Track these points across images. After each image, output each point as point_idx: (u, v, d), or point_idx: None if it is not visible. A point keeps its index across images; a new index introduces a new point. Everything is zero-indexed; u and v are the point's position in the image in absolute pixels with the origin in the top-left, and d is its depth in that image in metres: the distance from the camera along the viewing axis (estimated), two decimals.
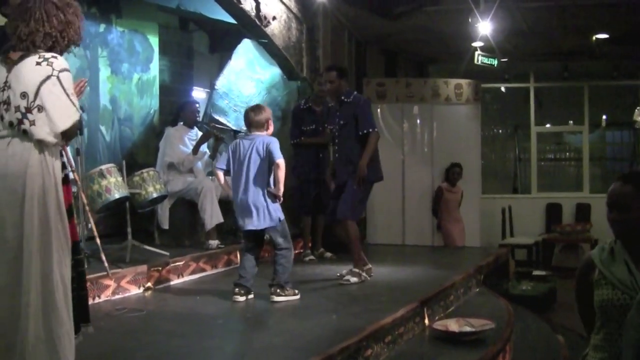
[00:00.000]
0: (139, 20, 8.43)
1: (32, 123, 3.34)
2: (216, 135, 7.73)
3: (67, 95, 3.41)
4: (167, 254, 6.58)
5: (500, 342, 5.07)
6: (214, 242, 7.25)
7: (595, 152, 14.26)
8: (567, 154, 15.14)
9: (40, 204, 3.32)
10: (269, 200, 5.60)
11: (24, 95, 3.35)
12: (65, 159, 3.58)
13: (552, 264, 12.02)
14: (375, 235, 10.42)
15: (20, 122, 3.35)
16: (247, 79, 8.99)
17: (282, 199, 5.66)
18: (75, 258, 3.53)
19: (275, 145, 5.63)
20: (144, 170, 6.76)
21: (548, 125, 14.39)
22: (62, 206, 3.41)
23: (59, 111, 3.38)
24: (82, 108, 4.06)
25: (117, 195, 6.21)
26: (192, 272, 6.68)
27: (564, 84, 13.69)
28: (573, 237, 12.23)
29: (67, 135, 3.48)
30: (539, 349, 5.97)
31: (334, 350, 4.03)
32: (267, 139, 5.67)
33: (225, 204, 7.56)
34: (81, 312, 3.58)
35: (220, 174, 5.81)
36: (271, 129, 5.80)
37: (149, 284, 6.06)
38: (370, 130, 6.53)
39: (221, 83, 8.66)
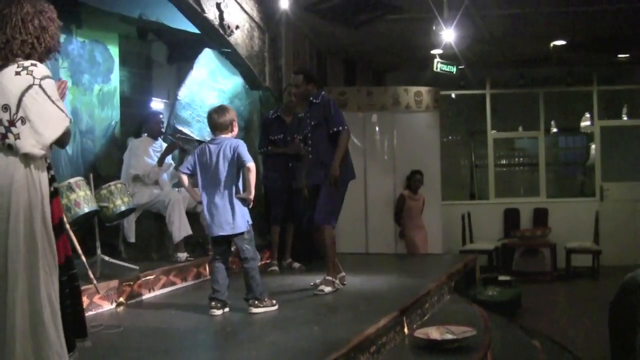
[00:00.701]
0: (99, 30, 8.27)
1: (17, 137, 3.25)
2: (181, 147, 7.64)
3: (53, 102, 3.32)
4: (137, 268, 6.46)
5: (482, 349, 5.07)
6: (183, 255, 7.14)
7: (548, 158, 14.45)
8: (521, 159, 15.34)
9: (26, 220, 3.23)
10: (238, 205, 5.50)
11: (5, 108, 3.26)
12: (53, 172, 3.48)
13: (513, 269, 12.14)
14: (339, 244, 10.22)
15: (4, 136, 3.25)
16: (209, 89, 8.91)
17: (252, 202, 5.58)
18: (69, 273, 3.46)
19: (243, 148, 5.54)
20: (111, 183, 6.62)
21: (501, 132, 14.53)
22: (48, 222, 3.32)
23: (46, 121, 3.29)
24: None
25: (86, 209, 6.06)
26: (163, 286, 6.58)
27: (520, 91, 13.86)
28: (533, 242, 12.37)
29: (61, 143, 3.39)
30: (517, 355, 6.00)
31: None
32: (234, 142, 5.56)
33: (192, 216, 7.47)
34: (78, 327, 3.51)
35: (185, 178, 5.68)
36: (236, 130, 5.69)
37: (121, 299, 5.94)
38: (341, 128, 6.41)
39: (183, 93, 8.55)
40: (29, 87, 3.28)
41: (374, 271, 7.85)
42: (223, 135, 5.62)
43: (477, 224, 13.21)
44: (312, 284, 6.58)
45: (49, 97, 3.31)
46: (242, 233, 5.52)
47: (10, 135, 3.25)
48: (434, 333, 5.15)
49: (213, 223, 5.51)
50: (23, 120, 3.26)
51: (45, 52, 3.46)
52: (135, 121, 8.52)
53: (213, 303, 5.48)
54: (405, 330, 5.42)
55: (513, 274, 11.19)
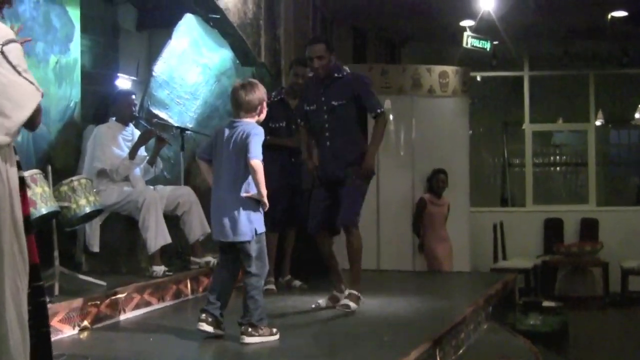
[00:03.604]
0: None
1: None
2: (158, 135, 7.56)
3: (19, 73, 3.23)
4: (104, 284, 6.39)
5: None
6: (160, 269, 7.06)
7: (598, 156, 14.41)
8: (563, 157, 15.28)
9: None
10: (245, 206, 5.45)
11: None
12: (18, 157, 3.40)
13: (555, 293, 12.14)
14: (345, 258, 10.32)
15: None
16: (191, 63, 8.84)
17: (266, 205, 5.55)
18: (34, 285, 3.37)
19: (254, 140, 5.38)
20: (74, 178, 6.52)
21: (541, 124, 14.48)
22: (18, 223, 3.27)
23: (13, 99, 3.20)
24: None
25: (44, 210, 5.93)
26: (136, 307, 6.50)
27: (566, 72, 13.79)
28: (580, 260, 12.36)
29: (32, 124, 3.32)
30: None
31: None
32: (249, 129, 5.42)
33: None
34: (43, 357, 3.41)
35: (203, 164, 5.70)
36: (263, 114, 5.58)
37: (86, 323, 5.87)
38: (379, 111, 6.54)
39: (160, 69, 8.46)
40: None
41: (392, 292, 7.82)
42: (246, 119, 5.49)
43: (512, 236, 13.19)
44: (313, 305, 6.65)
45: (14, 67, 3.23)
46: (247, 242, 5.47)
47: None
48: None
49: (215, 224, 5.52)
50: None
51: None
52: (98, 102, 8.45)
53: (204, 315, 5.39)
54: None
55: (556, 298, 11.19)
